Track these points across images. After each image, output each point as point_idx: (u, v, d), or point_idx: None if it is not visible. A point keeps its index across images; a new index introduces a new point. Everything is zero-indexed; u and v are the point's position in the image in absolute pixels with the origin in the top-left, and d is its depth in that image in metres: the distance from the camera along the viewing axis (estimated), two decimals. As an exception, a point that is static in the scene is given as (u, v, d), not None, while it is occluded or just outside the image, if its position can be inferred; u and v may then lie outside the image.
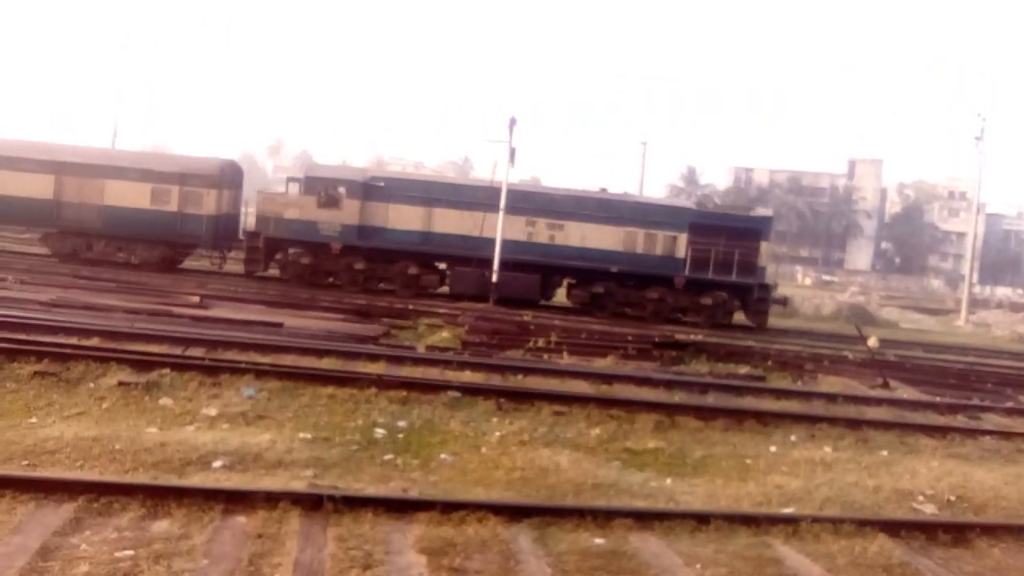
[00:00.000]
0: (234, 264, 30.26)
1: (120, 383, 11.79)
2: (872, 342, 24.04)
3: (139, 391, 11.65)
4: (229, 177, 30.33)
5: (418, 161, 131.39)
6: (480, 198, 28.43)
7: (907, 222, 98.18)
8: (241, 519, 7.46)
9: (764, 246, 28.57)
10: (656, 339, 21.01)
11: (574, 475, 9.97)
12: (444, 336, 19.47)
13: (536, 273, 27.74)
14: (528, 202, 28.71)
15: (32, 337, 13.87)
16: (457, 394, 12.91)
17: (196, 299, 21.15)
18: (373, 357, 15.21)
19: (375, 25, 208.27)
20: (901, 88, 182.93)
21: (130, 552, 6.64)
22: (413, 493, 8.68)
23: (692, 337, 22.59)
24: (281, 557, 6.80)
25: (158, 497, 7.63)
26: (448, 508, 7.96)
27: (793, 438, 12.88)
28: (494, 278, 27.11)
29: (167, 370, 12.47)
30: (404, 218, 27.98)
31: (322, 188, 27.97)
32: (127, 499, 7.55)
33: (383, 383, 12.90)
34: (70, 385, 11.77)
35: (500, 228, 27.26)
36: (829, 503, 9.80)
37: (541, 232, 28.39)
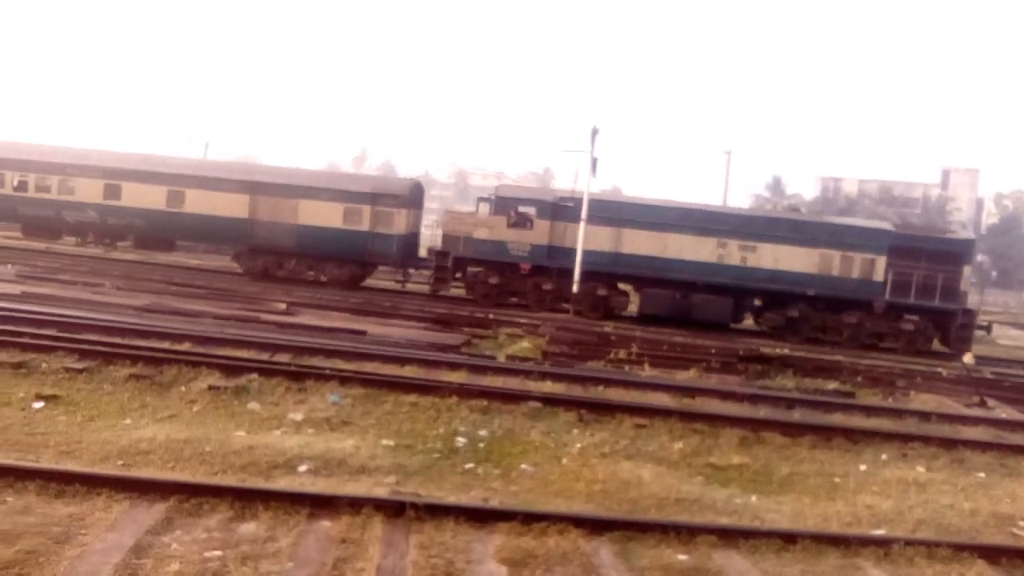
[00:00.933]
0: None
1: (210, 387, 12.12)
2: (967, 359, 23.07)
3: (228, 395, 11.95)
4: (415, 197, 30.81)
5: (499, 171, 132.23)
6: (670, 219, 28.17)
7: (1005, 234, 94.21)
8: (326, 523, 7.56)
9: (967, 270, 27.77)
10: (740, 352, 20.60)
11: (656, 489, 9.82)
12: (524, 346, 19.48)
13: (728, 296, 27.24)
14: (719, 223, 28.24)
15: (127, 341, 14.38)
16: (538, 404, 12.87)
17: (283, 306, 21.64)
18: (454, 366, 15.31)
19: (457, 33, 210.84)
20: (999, 94, 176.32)
21: (218, 553, 6.79)
22: (494, 503, 8.66)
23: (778, 351, 22.07)
24: (364, 563, 6.86)
25: (246, 499, 7.78)
26: (529, 519, 7.92)
27: (884, 457, 12.44)
28: (575, 288, 27.05)
29: (255, 375, 12.76)
30: (593, 238, 27.84)
31: (512, 208, 28.20)
32: (216, 500, 7.73)
33: (464, 392, 12.95)
34: (163, 388, 12.15)
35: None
36: (923, 526, 9.42)
37: (732, 254, 27.85)
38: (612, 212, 28.42)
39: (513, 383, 14.53)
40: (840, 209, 76.48)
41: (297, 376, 12.96)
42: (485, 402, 12.72)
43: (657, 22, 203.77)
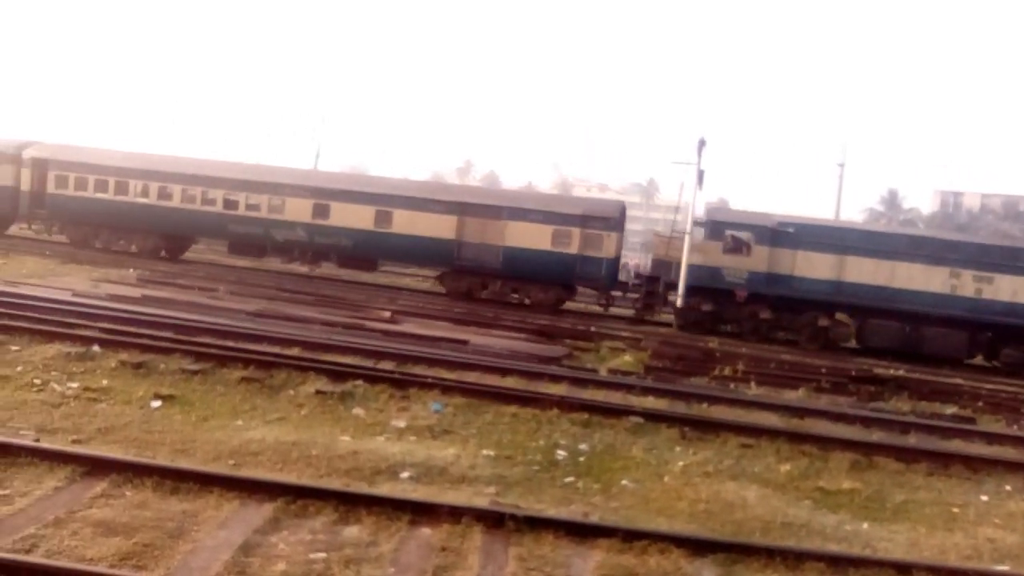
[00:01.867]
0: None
1: (317, 391, 12.41)
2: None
3: (334, 400, 12.21)
4: (622, 220, 30.40)
5: (602, 183, 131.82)
6: (898, 246, 27.05)
7: None
8: (426, 531, 7.61)
9: None
10: (852, 372, 19.87)
11: (762, 512, 9.52)
12: (626, 360, 19.26)
13: (962, 330, 25.88)
14: (952, 252, 26.76)
15: (240, 345, 14.88)
16: (640, 420, 12.68)
17: (387, 314, 22.02)
18: (556, 378, 15.26)
19: (559, 43, 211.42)
20: None
21: (323, 555, 6.92)
22: (594, 518, 8.56)
23: (892, 372, 21.19)
24: (463, 572, 6.87)
25: (350, 503, 7.91)
26: (630, 536, 7.79)
27: (1008, 488, 11.74)
28: (679, 303, 26.63)
29: (360, 381, 13.01)
30: (813, 266, 26.65)
31: (728, 233, 27.38)
32: (321, 503, 7.88)
33: (565, 405, 12.87)
34: (272, 391, 12.50)
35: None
36: (1053, 564, 8.83)
37: (966, 285, 26.28)
38: (833, 239, 27.09)
39: (615, 397, 14.38)
40: (960, 225, 73.14)
41: (400, 384, 13.15)
42: (586, 415, 12.61)
43: (766, 28, 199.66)
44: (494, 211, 29.35)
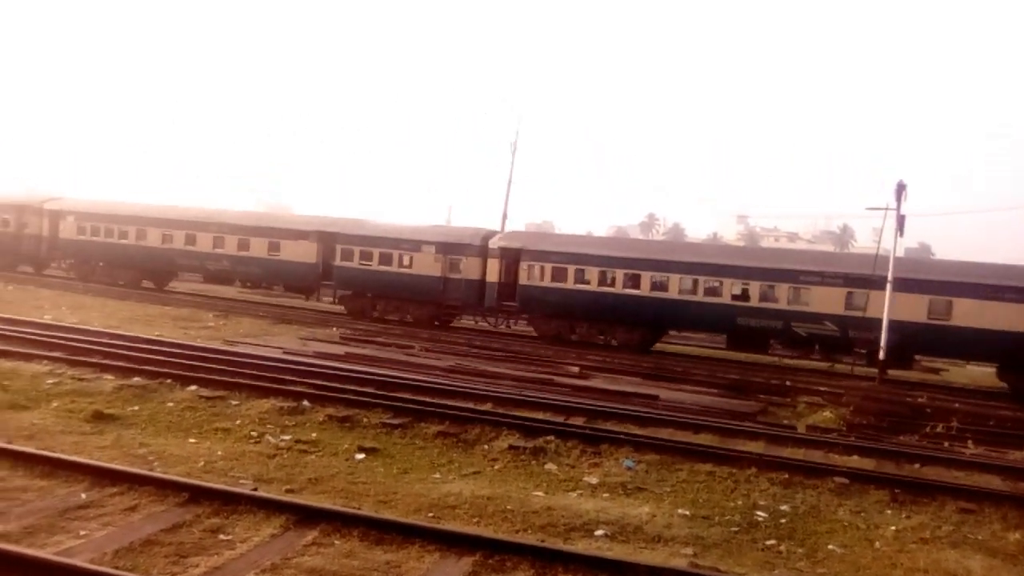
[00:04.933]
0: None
1: (510, 447, 12.58)
2: None
3: (527, 455, 12.32)
4: None
5: (792, 232, 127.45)
6: None
7: None
8: (623, 591, 7.47)
9: None
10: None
11: (990, 585, 8.70)
12: (826, 416, 18.32)
13: None
14: None
15: (436, 400, 15.36)
16: (844, 480, 11.98)
17: (576, 369, 22.10)
18: (751, 435, 14.74)
19: (739, 88, 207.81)
20: None
21: (521, 611, 6.92)
22: (800, 584, 8.10)
23: None
24: (664, 636, 6.66)
25: (546, 560, 7.89)
26: (841, 606, 7.32)
27: None
28: (881, 355, 25.14)
29: (552, 437, 13.07)
30: None
31: None
32: (518, 558, 7.91)
33: (763, 463, 12.38)
34: (467, 446, 12.78)
35: None
36: None
37: None
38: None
39: (816, 456, 13.68)
40: None
41: (592, 439, 13.11)
42: (786, 475, 12.07)
43: (969, 64, 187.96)
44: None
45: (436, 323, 32.78)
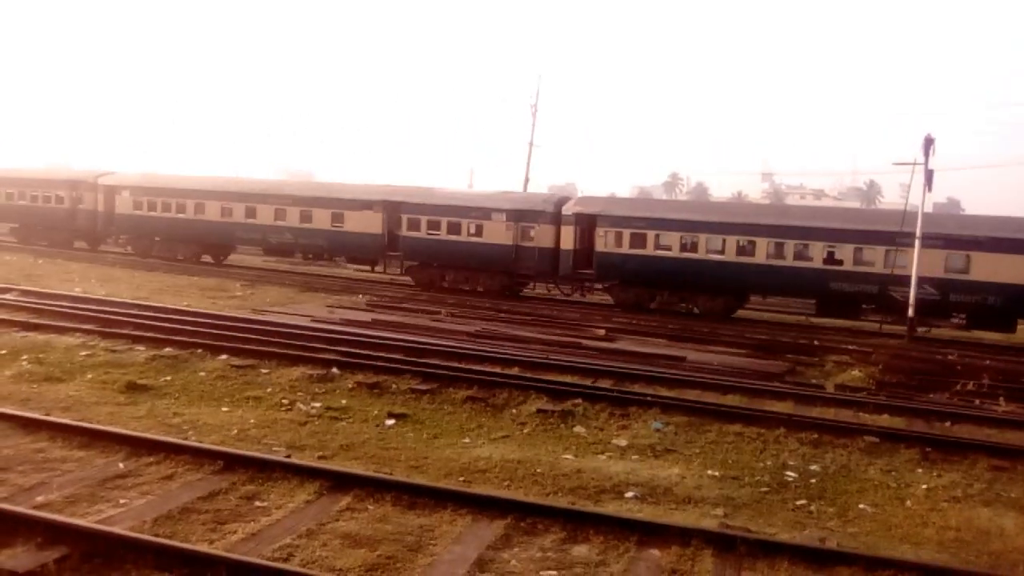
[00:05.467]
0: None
1: (538, 410, 12.64)
2: None
3: (555, 419, 12.38)
4: None
5: (818, 189, 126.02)
6: None
7: None
8: (655, 552, 7.53)
9: None
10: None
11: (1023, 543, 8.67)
12: (855, 375, 18.22)
13: None
14: None
15: (464, 365, 15.43)
16: (875, 439, 11.96)
17: (602, 332, 22.10)
18: (779, 395, 14.71)
19: (761, 43, 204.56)
20: None
21: (554, 573, 7.02)
22: (831, 544, 8.12)
23: None
24: (696, 596, 6.72)
25: (577, 522, 7.98)
26: (873, 564, 7.36)
27: None
28: (910, 312, 24.91)
29: (579, 400, 13.12)
30: None
31: None
32: (550, 521, 8.00)
33: (792, 423, 12.37)
34: (496, 410, 12.86)
35: None
36: None
37: None
38: None
39: (845, 415, 13.64)
40: None
41: (620, 402, 13.14)
42: (815, 435, 12.06)
43: (996, 10, 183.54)
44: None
45: (507, 293, 31.61)
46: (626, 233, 29.30)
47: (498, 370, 15.20)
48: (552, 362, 16.33)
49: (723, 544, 7.63)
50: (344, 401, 12.84)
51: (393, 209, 33.02)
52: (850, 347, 22.22)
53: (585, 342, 20.16)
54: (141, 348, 15.38)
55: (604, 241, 29.61)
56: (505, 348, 18.11)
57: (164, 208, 37.42)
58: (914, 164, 26.22)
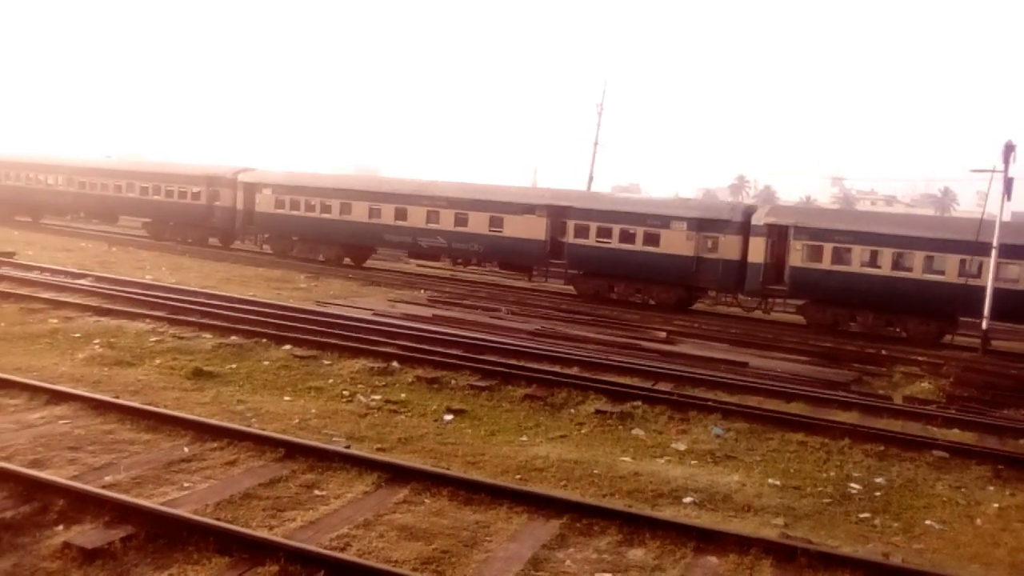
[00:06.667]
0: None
1: (597, 411, 12.57)
2: None
3: (614, 420, 12.29)
4: None
5: (889, 195, 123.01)
6: None
7: None
8: (712, 559, 7.40)
9: None
10: None
11: (1103, 568, 8.32)
12: (924, 387, 17.73)
13: None
14: None
15: (522, 363, 15.42)
16: (944, 454, 11.60)
17: (663, 334, 21.89)
18: (845, 405, 14.38)
19: (835, 46, 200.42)
20: None
21: (609, 575, 6.94)
22: (896, 560, 7.89)
23: None
24: (754, 606, 6.59)
25: (633, 525, 7.89)
26: (941, 583, 7.11)
27: None
28: (984, 324, 24.13)
29: (639, 402, 13.01)
30: None
31: None
32: (606, 523, 7.92)
33: (857, 434, 12.08)
34: (554, 409, 12.82)
35: None
36: None
37: None
38: None
39: (913, 428, 13.27)
40: None
41: (680, 406, 12.99)
42: (881, 447, 11.76)
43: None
44: None
45: (684, 307, 30.01)
46: (827, 247, 27.20)
47: (557, 369, 15.16)
48: (611, 363, 16.23)
49: (783, 554, 7.47)
50: (403, 395, 12.94)
51: (558, 214, 31.13)
52: (920, 358, 21.62)
53: (645, 344, 19.99)
54: (208, 336, 15.72)
55: (800, 255, 27.53)
56: (564, 347, 18.06)
57: (307, 207, 36.18)
58: (993, 172, 25.44)
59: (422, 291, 28.40)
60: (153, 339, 15.21)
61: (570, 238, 30.81)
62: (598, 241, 30.30)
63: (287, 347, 15.18)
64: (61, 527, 6.86)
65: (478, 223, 32.54)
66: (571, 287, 32.32)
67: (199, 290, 22.08)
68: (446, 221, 33.19)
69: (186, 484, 8.17)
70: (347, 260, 36.76)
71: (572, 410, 12.76)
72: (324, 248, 36.46)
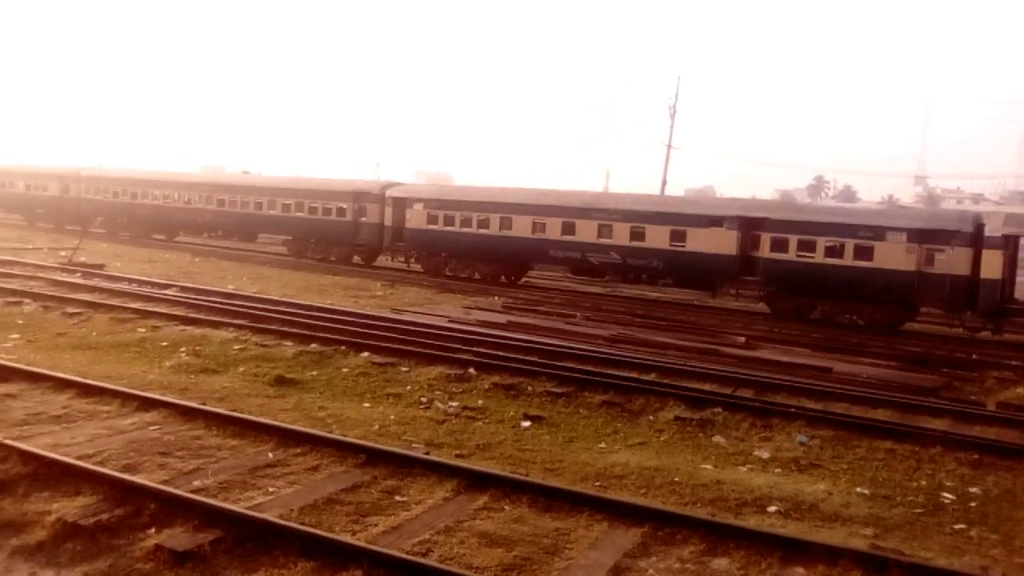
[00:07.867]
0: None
1: (676, 418, 12.39)
2: None
3: (693, 427, 12.11)
4: None
5: (977, 193, 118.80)
6: None
7: None
8: (799, 570, 7.21)
9: None
10: None
11: None
12: (1020, 392, 17.00)
13: None
14: None
15: (599, 369, 15.31)
16: (1046, 463, 11.10)
17: (742, 340, 21.49)
18: (935, 412, 13.88)
19: (915, 37, 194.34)
20: None
21: (693, 586, 6.81)
22: (995, 574, 7.56)
23: None
24: (845, 619, 6.39)
25: (717, 534, 7.74)
26: (1045, 599, 6.78)
27: None
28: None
29: (719, 409, 12.79)
30: None
31: None
32: (688, 532, 7.79)
33: (949, 441, 11.64)
34: (632, 416, 12.69)
35: None
36: None
37: None
38: None
39: (1010, 435, 12.72)
40: None
41: (761, 412, 12.72)
42: (975, 455, 11.31)
43: None
44: None
45: (897, 328, 27.21)
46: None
47: (635, 375, 15.01)
48: (690, 369, 15.99)
49: (874, 565, 7.22)
50: (480, 401, 12.97)
51: (751, 226, 28.63)
52: (1013, 363, 20.76)
53: (724, 349, 19.65)
54: (289, 343, 16.04)
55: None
56: (642, 353, 17.86)
57: (463, 223, 34.05)
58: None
59: (496, 298, 28.46)
60: (237, 347, 15.59)
61: (765, 252, 28.14)
62: (799, 255, 27.46)
63: (365, 354, 15.38)
64: (153, 530, 7.06)
65: (657, 237, 30.05)
66: (763, 305, 30.20)
67: (279, 299, 22.55)
68: (620, 236, 30.76)
69: (271, 489, 8.33)
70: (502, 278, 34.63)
71: (651, 417, 12.61)
72: (481, 265, 34.35)
